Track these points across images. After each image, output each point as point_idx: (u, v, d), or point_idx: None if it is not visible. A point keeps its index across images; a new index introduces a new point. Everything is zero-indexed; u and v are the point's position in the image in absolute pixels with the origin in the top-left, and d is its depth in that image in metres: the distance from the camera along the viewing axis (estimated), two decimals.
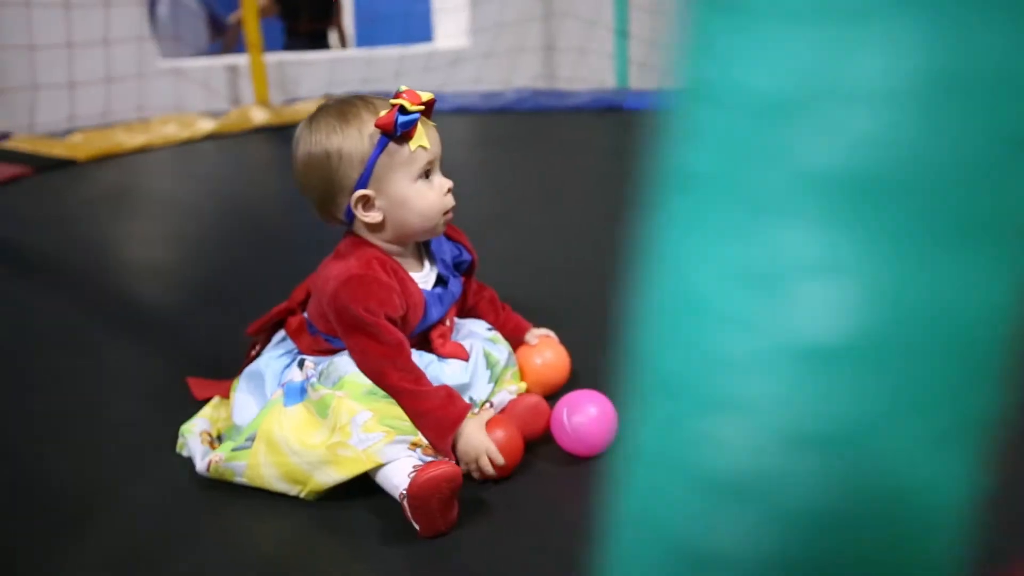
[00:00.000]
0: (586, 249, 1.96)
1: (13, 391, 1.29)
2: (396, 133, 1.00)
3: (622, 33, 4.33)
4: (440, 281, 1.13)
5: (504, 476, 1.01)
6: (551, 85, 4.59)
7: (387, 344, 1.01)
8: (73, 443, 1.13)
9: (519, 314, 1.26)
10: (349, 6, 7.38)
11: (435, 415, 0.99)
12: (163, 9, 4.76)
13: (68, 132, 3.16)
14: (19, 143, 2.95)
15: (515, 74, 4.47)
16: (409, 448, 0.96)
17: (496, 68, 4.47)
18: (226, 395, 1.14)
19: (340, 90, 4.12)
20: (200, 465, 1.01)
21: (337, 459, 0.95)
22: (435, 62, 4.43)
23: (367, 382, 1.00)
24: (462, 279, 1.18)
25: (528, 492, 1.00)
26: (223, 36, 4.90)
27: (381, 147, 1.02)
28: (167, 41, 4.79)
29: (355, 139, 1.02)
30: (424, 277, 1.11)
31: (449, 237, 1.16)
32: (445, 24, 4.92)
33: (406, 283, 1.06)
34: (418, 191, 1.04)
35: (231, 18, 4.62)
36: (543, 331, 1.24)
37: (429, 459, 0.97)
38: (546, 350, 1.21)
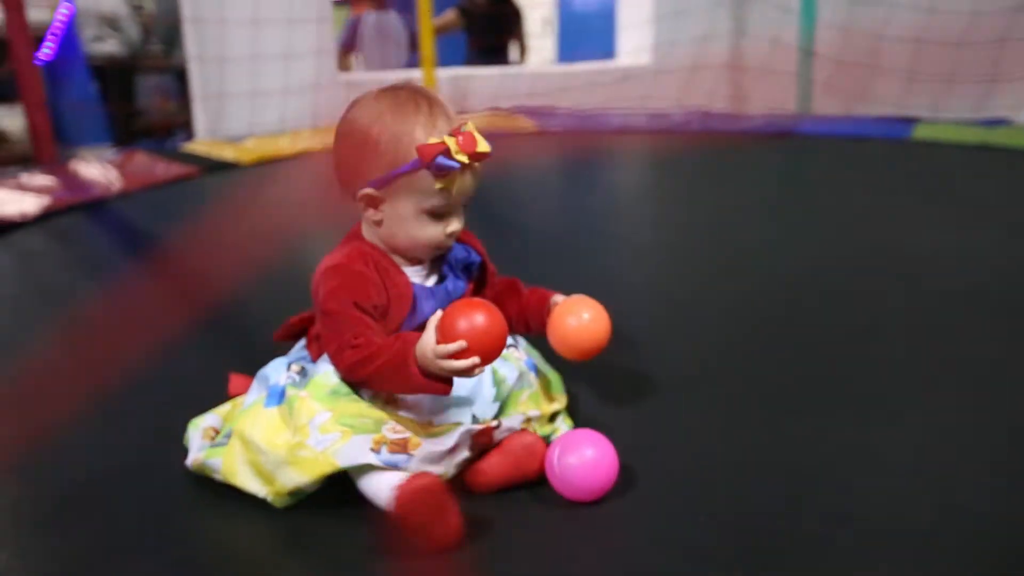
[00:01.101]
0: (691, 276, 1.83)
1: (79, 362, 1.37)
2: (428, 167, 0.97)
3: (806, 52, 4.06)
4: (440, 279, 1.09)
5: (490, 359, 0.92)
6: (729, 105, 4.38)
7: (345, 333, 0.97)
8: (99, 423, 1.18)
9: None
10: (553, 23, 7.50)
11: (388, 363, 0.94)
12: (367, 27, 5.05)
13: (244, 137, 3.41)
14: (197, 146, 3.22)
15: (690, 93, 4.30)
16: (372, 447, 0.92)
17: (669, 86, 4.33)
18: None
19: (507, 103, 4.16)
20: (188, 459, 1.02)
21: (296, 460, 0.93)
22: (603, 79, 4.37)
23: (332, 382, 0.98)
24: (467, 282, 1.11)
25: (511, 536, 0.92)
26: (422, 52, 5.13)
27: (410, 168, 0.98)
28: (370, 56, 5.09)
29: (394, 143, 0.99)
30: (419, 272, 1.07)
31: (459, 239, 1.10)
32: (627, 40, 4.85)
33: (390, 274, 1.03)
34: (420, 221, 1.01)
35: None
36: (575, 296, 1.13)
37: (402, 457, 0.93)
38: (582, 310, 1.08)
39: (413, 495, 0.87)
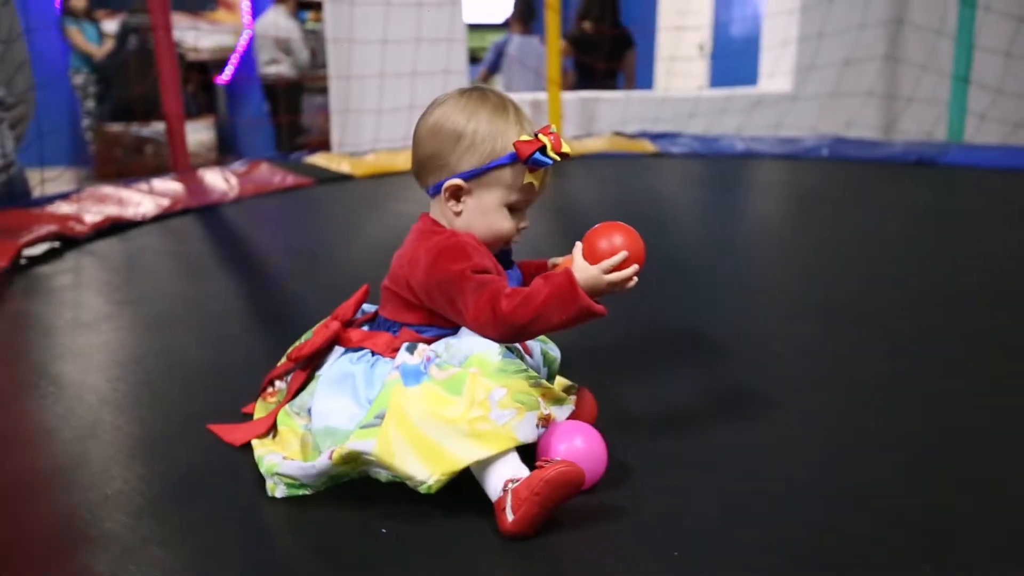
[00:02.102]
0: (799, 314, 1.74)
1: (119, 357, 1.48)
2: (525, 162, 1.03)
3: (961, 79, 3.75)
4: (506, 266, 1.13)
5: (642, 262, 1.01)
6: (869, 133, 4.12)
7: (491, 287, 1.00)
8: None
9: None
10: (706, 47, 7.37)
11: (552, 295, 0.97)
12: (512, 49, 5.18)
13: (365, 152, 3.56)
14: (317, 159, 3.39)
15: (828, 119, 4.09)
16: (538, 424, 0.96)
17: (806, 112, 4.13)
18: (265, 433, 1.11)
19: (630, 128, 4.12)
20: (320, 461, 0.98)
21: (478, 433, 0.93)
22: (733, 105, 4.23)
23: (496, 360, 0.98)
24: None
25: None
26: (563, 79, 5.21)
27: (508, 160, 1.05)
28: (509, 78, 5.20)
29: (491, 139, 1.05)
30: None
31: None
32: (769, 65, 4.68)
33: (488, 253, 1.07)
34: (501, 214, 1.07)
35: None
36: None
37: (543, 431, 0.98)
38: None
39: (561, 477, 0.90)
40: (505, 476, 0.93)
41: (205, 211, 2.62)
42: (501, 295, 0.98)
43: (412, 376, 0.98)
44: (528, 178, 1.05)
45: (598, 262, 1.00)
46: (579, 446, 0.97)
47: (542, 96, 4.20)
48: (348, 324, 1.13)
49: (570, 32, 4.90)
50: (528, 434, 0.95)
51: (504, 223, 1.08)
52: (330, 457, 0.96)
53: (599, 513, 0.95)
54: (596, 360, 1.41)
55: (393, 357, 1.04)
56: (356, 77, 3.85)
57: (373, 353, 1.06)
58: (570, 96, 4.23)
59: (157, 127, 6.35)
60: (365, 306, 1.16)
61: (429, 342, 1.04)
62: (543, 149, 1.03)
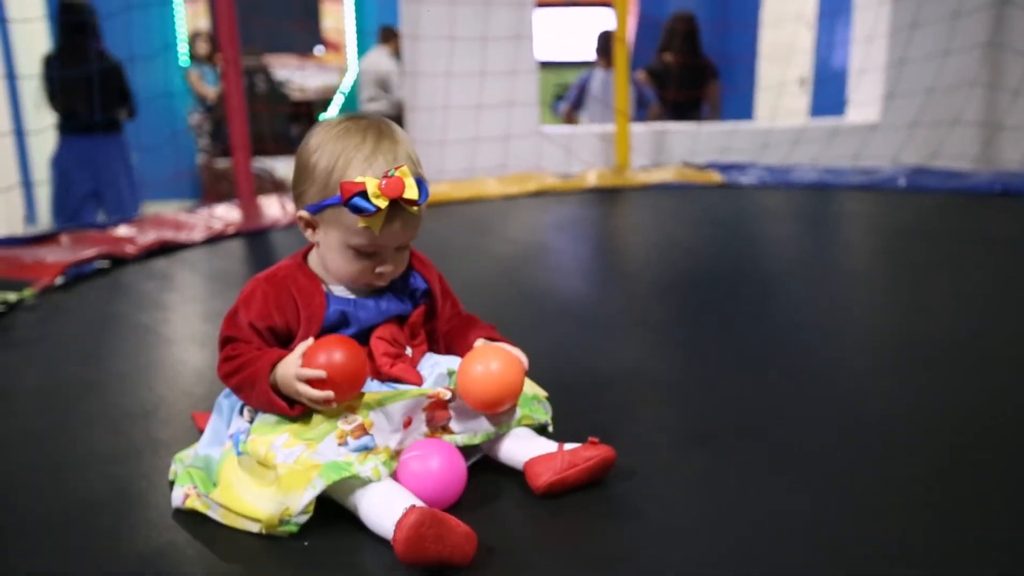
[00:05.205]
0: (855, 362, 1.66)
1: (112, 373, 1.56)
2: (345, 205, 0.97)
3: None
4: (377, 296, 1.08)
5: (344, 397, 0.95)
6: (962, 164, 3.88)
7: (230, 343, 1.04)
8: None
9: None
10: (808, 81, 7.15)
11: (247, 377, 0.98)
12: (595, 84, 5.20)
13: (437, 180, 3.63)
14: None
15: (909, 148, 3.88)
16: (339, 443, 0.94)
17: (886, 142, 3.94)
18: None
19: (700, 159, 4.04)
20: (175, 500, 0.99)
21: (281, 483, 0.91)
22: (808, 135, 4.08)
23: (273, 419, 0.98)
24: (413, 305, 1.11)
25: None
26: (648, 111, 5.18)
27: (334, 202, 0.99)
28: (593, 112, 5.22)
29: (327, 173, 1.00)
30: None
31: (411, 265, 1.12)
32: (856, 95, 4.50)
33: (305, 295, 1.05)
34: (346, 255, 1.02)
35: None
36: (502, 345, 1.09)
37: (368, 439, 0.95)
38: (492, 358, 1.01)
39: (409, 539, 0.83)
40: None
41: (251, 235, 2.75)
42: (227, 356, 1.02)
43: (238, 443, 0.99)
44: (362, 222, 0.97)
45: (309, 366, 0.94)
46: (432, 466, 0.95)
47: (611, 128, 4.18)
48: None
49: (651, 65, 4.88)
50: (330, 455, 0.92)
51: (351, 266, 1.03)
52: (183, 503, 0.98)
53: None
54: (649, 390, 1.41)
55: None
56: (423, 109, 3.94)
57: None
58: (640, 128, 4.19)
59: (261, 163, 6.71)
60: None
61: None
62: (364, 193, 0.95)
